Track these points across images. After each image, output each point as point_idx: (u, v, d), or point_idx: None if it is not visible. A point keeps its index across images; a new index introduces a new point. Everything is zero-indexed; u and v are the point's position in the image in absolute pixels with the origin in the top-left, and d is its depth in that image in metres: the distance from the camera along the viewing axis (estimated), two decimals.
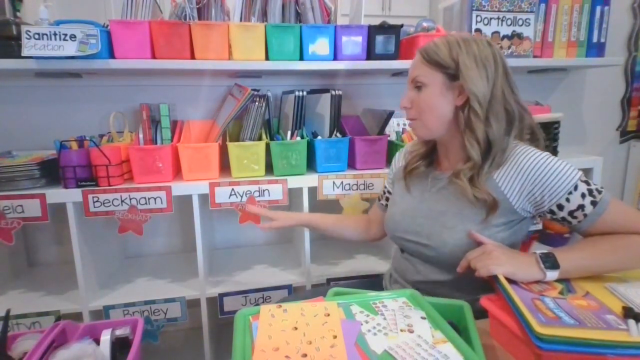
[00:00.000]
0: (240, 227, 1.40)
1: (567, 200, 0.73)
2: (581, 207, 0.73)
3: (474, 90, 0.76)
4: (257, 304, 1.03)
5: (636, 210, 0.76)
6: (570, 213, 0.74)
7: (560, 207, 0.74)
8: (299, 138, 1.30)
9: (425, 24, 1.36)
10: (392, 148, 1.39)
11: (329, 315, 0.62)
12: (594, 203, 0.72)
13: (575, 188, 0.72)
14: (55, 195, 1.14)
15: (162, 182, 1.22)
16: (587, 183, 0.73)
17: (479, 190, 0.77)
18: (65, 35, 1.08)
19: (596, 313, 0.57)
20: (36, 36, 1.06)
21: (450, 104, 0.81)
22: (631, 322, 0.54)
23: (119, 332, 0.85)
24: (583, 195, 0.72)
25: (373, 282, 1.08)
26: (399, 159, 1.03)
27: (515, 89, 0.81)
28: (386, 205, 1.04)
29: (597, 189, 0.73)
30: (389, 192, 1.03)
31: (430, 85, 0.81)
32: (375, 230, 1.08)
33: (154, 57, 1.19)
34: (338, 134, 1.33)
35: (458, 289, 0.82)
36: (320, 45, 1.27)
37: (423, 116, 0.84)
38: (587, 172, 1.46)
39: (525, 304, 0.58)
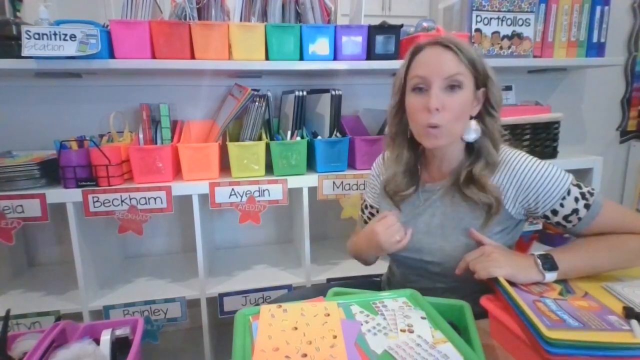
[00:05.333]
0: (240, 227, 1.40)
1: (561, 205, 0.73)
2: (575, 211, 0.73)
3: (499, 101, 0.75)
4: (257, 304, 1.03)
5: (629, 210, 0.76)
6: (565, 218, 0.74)
7: (555, 212, 0.74)
8: (299, 138, 1.30)
9: (425, 24, 1.35)
10: None
11: (329, 315, 0.62)
12: (587, 206, 0.72)
13: (569, 193, 0.72)
14: (55, 195, 1.14)
15: (162, 182, 1.22)
16: (579, 186, 0.73)
17: (490, 191, 0.75)
18: (65, 35, 1.07)
19: (598, 314, 0.57)
20: (36, 36, 1.06)
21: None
22: (634, 322, 0.54)
23: (119, 332, 0.85)
24: (576, 200, 0.72)
25: (373, 282, 1.08)
26: (378, 173, 0.95)
27: None
28: None
29: (589, 192, 0.73)
30: (377, 211, 0.96)
31: (466, 88, 0.72)
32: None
33: (154, 57, 1.19)
34: (338, 134, 1.33)
35: (459, 295, 0.81)
36: (320, 45, 1.27)
37: (452, 123, 0.73)
38: (587, 172, 1.45)
39: (528, 306, 0.57)
